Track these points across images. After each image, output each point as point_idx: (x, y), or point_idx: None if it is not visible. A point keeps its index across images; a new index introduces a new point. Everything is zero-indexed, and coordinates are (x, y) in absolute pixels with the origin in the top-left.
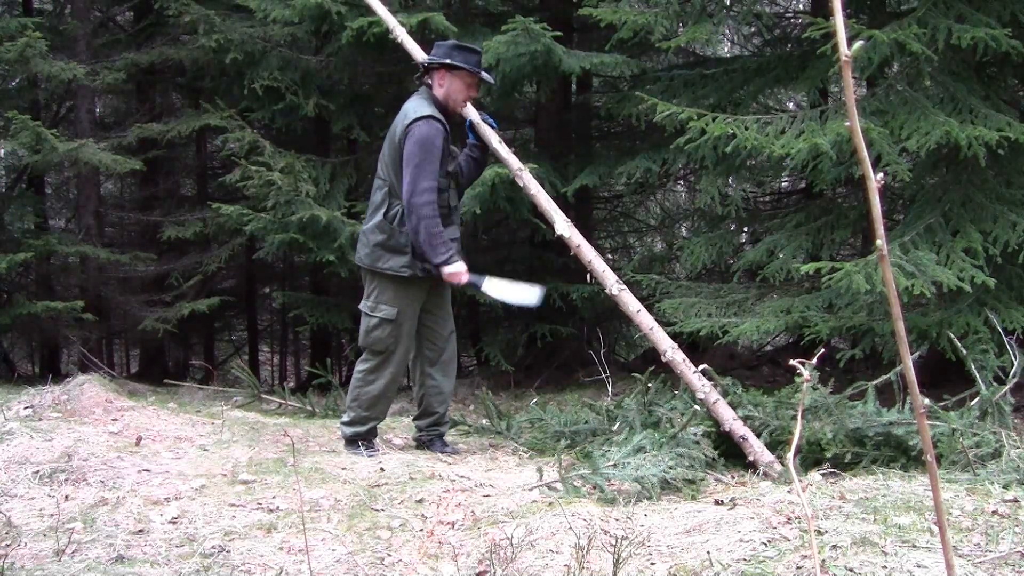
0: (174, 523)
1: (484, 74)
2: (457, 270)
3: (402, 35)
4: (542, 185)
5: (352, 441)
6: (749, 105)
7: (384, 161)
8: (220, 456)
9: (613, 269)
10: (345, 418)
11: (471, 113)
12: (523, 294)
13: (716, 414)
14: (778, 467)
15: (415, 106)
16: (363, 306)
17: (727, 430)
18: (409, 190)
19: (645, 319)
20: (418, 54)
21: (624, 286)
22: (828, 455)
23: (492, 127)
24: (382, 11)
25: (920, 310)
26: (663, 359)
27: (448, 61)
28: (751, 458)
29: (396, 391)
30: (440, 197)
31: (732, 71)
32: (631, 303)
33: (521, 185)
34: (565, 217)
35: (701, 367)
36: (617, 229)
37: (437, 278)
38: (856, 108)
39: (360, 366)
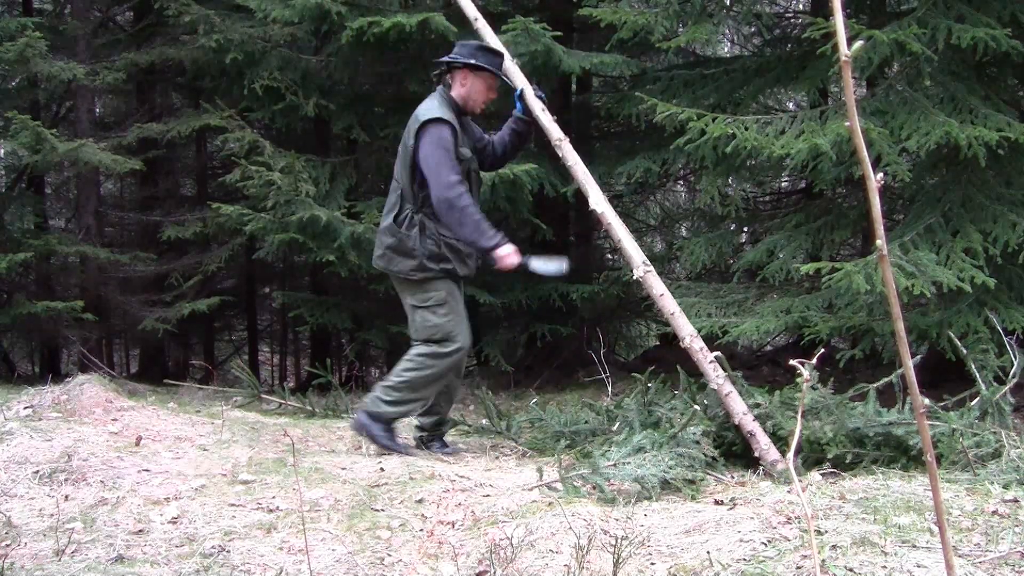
0: (174, 523)
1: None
2: (508, 251)
3: (482, 25)
4: (541, 185)
5: (383, 420)
6: (749, 105)
7: (397, 163)
8: (220, 456)
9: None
10: (385, 396)
11: (522, 81)
12: (556, 265)
13: (727, 406)
14: (781, 467)
15: (427, 108)
16: (410, 302)
17: (736, 423)
18: (436, 186)
19: (668, 303)
20: (495, 43)
21: (651, 267)
22: (829, 455)
23: (541, 99)
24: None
25: (920, 310)
26: (681, 345)
27: (473, 61)
28: (756, 454)
29: (446, 381)
30: None
31: (732, 71)
32: (656, 286)
33: (560, 156)
34: (600, 192)
35: (715, 354)
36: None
37: (454, 276)
38: (856, 108)
39: (418, 349)
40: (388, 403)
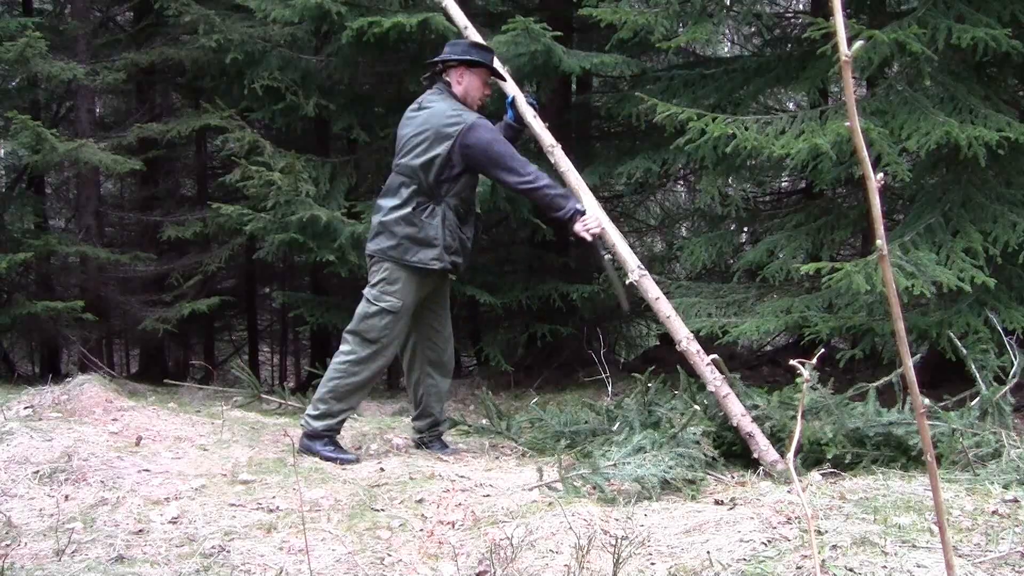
0: (174, 523)
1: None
2: (591, 215)
3: (472, 33)
4: None
5: (319, 436)
6: (749, 105)
7: (409, 158)
8: (220, 456)
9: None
10: (313, 411)
11: (514, 89)
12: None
13: (725, 408)
14: (781, 467)
15: (450, 106)
16: (367, 292)
17: (734, 424)
18: (515, 168)
19: (663, 307)
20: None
21: (646, 271)
22: (829, 455)
23: (533, 106)
24: None
25: (920, 310)
26: (678, 348)
27: (468, 58)
28: (755, 455)
29: (371, 387)
30: (472, 195)
31: (732, 71)
32: (651, 290)
33: (552, 162)
34: (593, 198)
35: (712, 356)
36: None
37: (449, 274)
38: (856, 108)
39: (343, 356)
40: (316, 418)
